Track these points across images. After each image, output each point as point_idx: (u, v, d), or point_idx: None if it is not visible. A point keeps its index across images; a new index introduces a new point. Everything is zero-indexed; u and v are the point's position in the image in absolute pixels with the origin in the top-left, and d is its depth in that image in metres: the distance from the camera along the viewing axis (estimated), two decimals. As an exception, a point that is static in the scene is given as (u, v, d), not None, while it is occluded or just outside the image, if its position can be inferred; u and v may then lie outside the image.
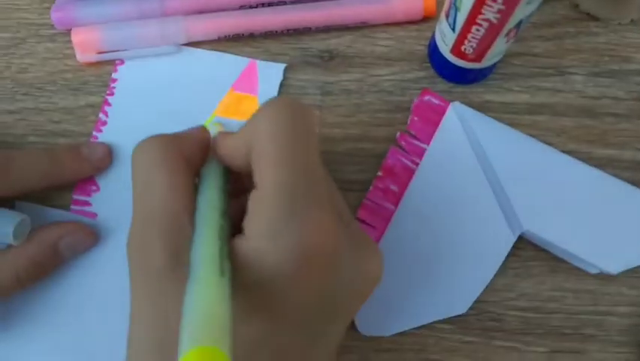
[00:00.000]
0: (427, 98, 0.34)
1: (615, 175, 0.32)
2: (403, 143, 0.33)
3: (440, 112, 0.33)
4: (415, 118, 0.33)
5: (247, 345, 0.21)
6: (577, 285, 0.32)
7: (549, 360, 0.31)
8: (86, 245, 0.32)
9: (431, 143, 0.33)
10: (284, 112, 0.23)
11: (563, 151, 0.33)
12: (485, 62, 0.32)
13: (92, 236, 0.32)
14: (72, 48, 0.35)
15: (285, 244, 0.21)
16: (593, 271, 0.32)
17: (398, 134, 0.33)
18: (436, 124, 0.33)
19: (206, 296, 0.19)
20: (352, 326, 0.31)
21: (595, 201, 0.32)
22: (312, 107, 0.35)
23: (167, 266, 0.22)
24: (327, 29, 0.36)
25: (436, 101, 0.34)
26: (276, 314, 0.22)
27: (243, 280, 0.21)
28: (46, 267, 0.30)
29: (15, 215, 0.30)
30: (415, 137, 0.33)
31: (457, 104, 0.33)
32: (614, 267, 0.31)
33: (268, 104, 0.23)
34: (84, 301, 0.31)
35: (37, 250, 0.30)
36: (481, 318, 0.32)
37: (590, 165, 0.32)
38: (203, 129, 0.27)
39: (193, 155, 0.25)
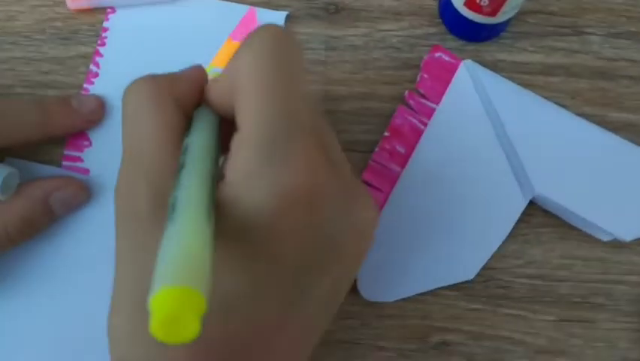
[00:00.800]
0: (437, 54, 0.32)
1: (630, 140, 0.31)
2: (411, 102, 0.32)
3: (451, 70, 0.32)
4: (425, 76, 0.32)
5: (225, 298, 0.20)
6: (587, 253, 0.31)
7: (557, 329, 0.30)
8: (78, 200, 0.30)
9: (441, 102, 0.32)
10: (266, 42, 0.21)
11: (578, 114, 0.32)
12: (500, 17, 0.30)
13: (84, 191, 0.30)
14: (62, -5, 0.33)
15: (262, 187, 0.20)
16: (605, 238, 0.30)
17: (406, 92, 0.32)
18: (447, 83, 0.32)
19: (186, 237, 0.17)
20: (354, 290, 0.30)
21: (609, 167, 0.30)
22: (298, 42, 0.32)
23: (150, 208, 0.21)
24: (334, -19, 0.34)
25: (447, 59, 0.32)
26: (256, 264, 0.20)
27: (222, 228, 0.20)
28: (37, 223, 0.29)
29: (2, 168, 0.28)
30: (424, 96, 0.32)
31: (469, 62, 0.32)
32: (627, 234, 0.30)
33: (250, 36, 0.22)
34: (76, 258, 0.30)
35: (26, 205, 0.28)
36: (487, 285, 0.31)
37: (605, 128, 0.31)
38: (199, 69, 0.25)
39: (185, 95, 0.24)
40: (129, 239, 0.22)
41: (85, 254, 0.30)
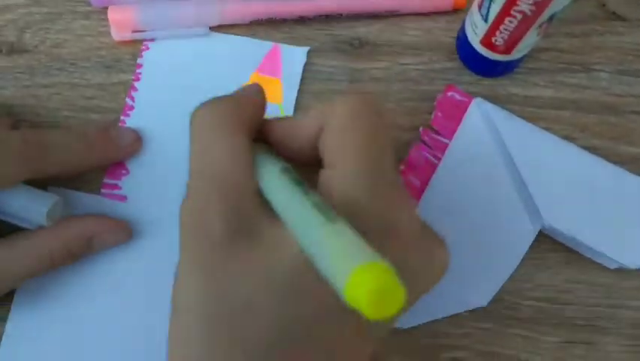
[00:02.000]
0: (450, 94, 0.34)
1: (637, 172, 0.33)
2: (426, 138, 0.34)
3: (463, 108, 0.34)
4: (439, 114, 0.34)
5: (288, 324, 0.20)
6: (592, 277, 0.33)
7: (561, 350, 0.32)
8: (119, 243, 0.32)
9: (453, 138, 0.33)
10: (361, 100, 0.22)
11: (586, 147, 0.33)
12: (514, 55, 0.32)
13: (127, 236, 0.32)
14: (106, 26, 0.36)
15: (368, 222, 0.20)
16: (612, 266, 0.32)
17: (421, 129, 0.34)
18: (459, 120, 0.34)
19: (343, 230, 0.17)
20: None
21: (616, 198, 0.32)
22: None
23: (225, 230, 0.20)
24: (358, 17, 0.36)
25: (459, 97, 0.34)
26: None
27: None
28: (78, 256, 0.31)
29: (49, 196, 0.30)
30: (437, 132, 0.34)
31: (479, 100, 0.34)
32: (633, 262, 0.32)
33: (344, 95, 0.23)
34: (109, 284, 0.32)
35: (73, 239, 0.30)
36: (497, 306, 0.32)
37: (613, 161, 0.33)
38: (258, 88, 0.25)
39: (251, 117, 0.24)
40: (198, 260, 0.21)
41: (117, 279, 0.32)
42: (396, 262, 0.20)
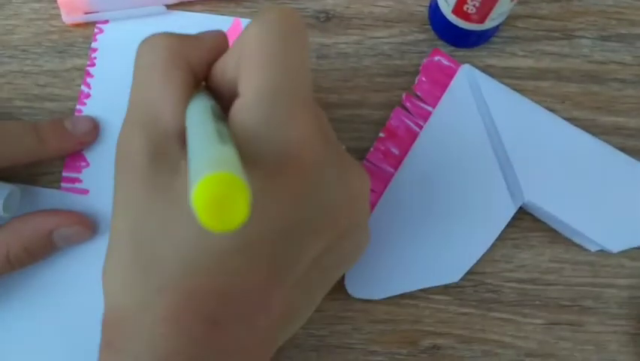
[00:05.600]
0: (437, 58, 0.32)
1: (620, 143, 0.31)
2: (408, 104, 0.32)
3: (450, 74, 0.32)
4: (423, 79, 0.32)
5: (213, 252, 0.20)
6: (576, 257, 0.31)
7: (546, 332, 0.31)
8: (82, 238, 0.30)
9: (437, 106, 0.32)
10: (274, 17, 0.22)
11: (568, 118, 0.32)
12: (488, 24, 0.30)
13: (89, 228, 0.30)
14: (58, 8, 0.34)
15: (258, 147, 0.20)
16: (593, 248, 0.31)
17: (404, 94, 0.32)
18: (444, 87, 0.32)
19: (214, 146, 0.17)
20: (344, 294, 0.30)
21: (600, 177, 0.31)
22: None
23: (148, 162, 0.21)
24: (324, -11, 0.34)
25: (447, 62, 0.32)
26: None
27: None
28: (37, 255, 0.29)
29: (5, 186, 0.29)
30: (421, 98, 0.32)
31: (467, 66, 0.32)
32: (614, 245, 0.30)
33: (259, 13, 0.22)
34: (73, 282, 0.31)
35: (31, 237, 0.29)
36: (478, 289, 0.31)
37: (595, 132, 0.31)
38: (220, 35, 0.25)
39: (199, 59, 0.24)
40: (126, 191, 0.22)
41: (82, 272, 0.31)
42: (295, 191, 0.21)
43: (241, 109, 0.21)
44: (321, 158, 0.22)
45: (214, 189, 0.15)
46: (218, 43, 0.25)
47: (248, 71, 0.21)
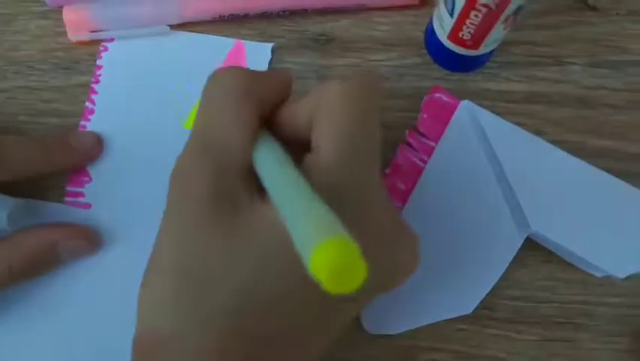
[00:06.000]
0: (437, 95, 0.33)
1: (609, 166, 0.32)
2: (412, 140, 0.33)
3: (450, 110, 0.33)
4: (425, 115, 0.33)
5: (269, 299, 0.21)
6: (569, 275, 0.32)
7: (540, 348, 0.31)
8: (86, 251, 0.31)
9: (440, 141, 0.33)
10: (358, 79, 0.22)
11: (557, 141, 0.33)
12: (482, 49, 0.32)
13: (93, 244, 0.31)
14: (64, 26, 0.34)
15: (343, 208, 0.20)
16: (599, 274, 0.32)
17: (407, 132, 0.33)
18: (446, 122, 0.33)
19: (313, 204, 0.18)
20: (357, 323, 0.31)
21: (604, 206, 0.31)
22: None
23: (211, 194, 0.21)
24: (324, 12, 0.35)
25: (446, 99, 0.33)
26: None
27: None
28: (42, 267, 0.30)
29: (10, 200, 0.29)
30: (423, 135, 0.33)
31: (467, 102, 0.33)
32: (620, 271, 0.31)
33: (351, 76, 0.23)
34: (78, 296, 0.31)
35: (36, 247, 0.29)
36: (473, 306, 0.32)
37: (584, 155, 0.32)
38: (286, 74, 0.25)
39: (267, 95, 0.24)
40: (183, 220, 0.21)
41: (86, 287, 0.31)
42: (373, 251, 0.20)
43: (320, 166, 0.21)
44: (397, 219, 0.22)
45: (333, 254, 0.16)
46: (285, 85, 0.25)
47: (328, 126, 0.22)
